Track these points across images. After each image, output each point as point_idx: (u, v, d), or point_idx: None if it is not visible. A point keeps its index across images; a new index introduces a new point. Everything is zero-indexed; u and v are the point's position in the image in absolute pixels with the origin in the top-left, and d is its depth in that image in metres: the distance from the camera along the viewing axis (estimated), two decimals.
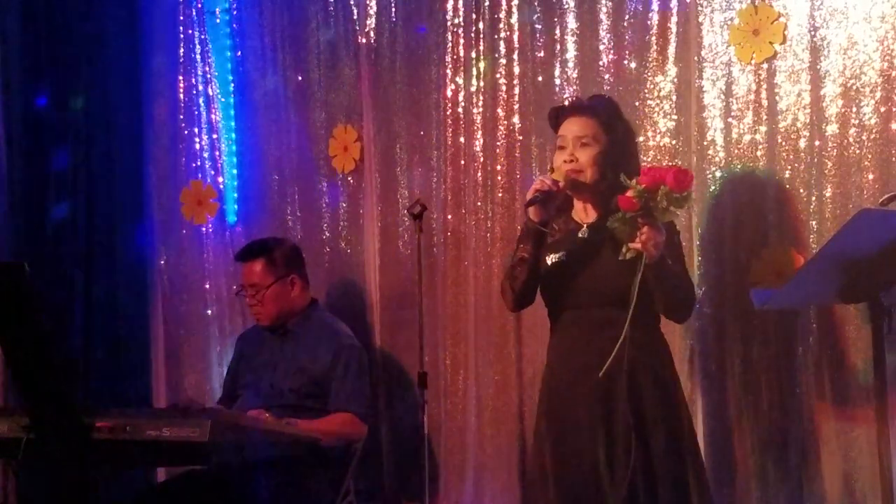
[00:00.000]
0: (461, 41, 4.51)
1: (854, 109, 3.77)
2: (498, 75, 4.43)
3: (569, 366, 3.37)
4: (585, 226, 3.39)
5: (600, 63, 4.22)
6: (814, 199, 3.84)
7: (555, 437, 3.35)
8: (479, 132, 4.46)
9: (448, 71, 4.54)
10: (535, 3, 4.35)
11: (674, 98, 4.10)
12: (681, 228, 4.02)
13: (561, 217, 3.45)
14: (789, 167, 3.89)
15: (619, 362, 3.16)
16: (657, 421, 3.27)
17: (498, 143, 4.42)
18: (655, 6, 4.11)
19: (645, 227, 3.07)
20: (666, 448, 3.27)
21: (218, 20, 5.14)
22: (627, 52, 4.17)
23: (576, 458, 3.29)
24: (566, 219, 3.45)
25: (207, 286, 5.13)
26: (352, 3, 4.78)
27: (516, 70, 4.39)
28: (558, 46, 4.30)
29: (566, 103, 3.55)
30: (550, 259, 3.36)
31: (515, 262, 3.39)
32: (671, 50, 4.10)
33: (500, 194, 4.41)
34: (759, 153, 3.94)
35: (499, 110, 4.41)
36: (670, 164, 4.09)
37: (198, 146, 5.17)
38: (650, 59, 4.13)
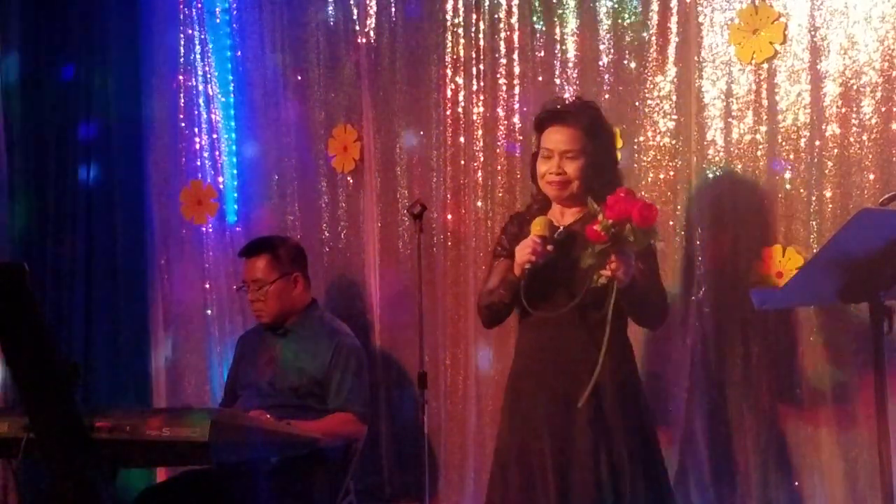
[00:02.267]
0: (461, 41, 4.51)
1: (854, 109, 3.78)
2: (498, 75, 4.43)
3: (535, 364, 3.43)
4: (562, 227, 3.41)
5: (600, 63, 4.22)
6: (814, 199, 3.84)
7: (518, 435, 3.40)
8: (479, 132, 4.46)
9: (448, 71, 4.54)
10: (536, 3, 4.35)
11: (674, 98, 4.10)
12: (681, 228, 4.03)
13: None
14: (789, 167, 3.89)
15: (581, 373, 3.24)
16: (619, 423, 3.32)
17: (498, 143, 4.43)
18: (655, 6, 4.11)
19: (613, 256, 3.14)
20: (629, 451, 3.31)
21: (218, 20, 5.14)
22: (627, 52, 4.17)
23: (538, 457, 3.33)
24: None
25: (207, 286, 5.13)
26: (352, 3, 4.78)
27: (516, 70, 4.39)
28: (558, 46, 4.30)
29: (551, 108, 3.55)
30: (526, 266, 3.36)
31: (498, 304, 3.42)
32: (671, 50, 4.10)
33: (500, 194, 4.41)
34: (759, 153, 3.94)
35: (499, 110, 4.41)
36: (671, 164, 4.10)
37: (198, 146, 5.17)
38: (650, 59, 4.13)
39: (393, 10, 4.68)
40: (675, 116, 4.10)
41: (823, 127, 3.82)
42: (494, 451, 3.54)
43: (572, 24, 4.28)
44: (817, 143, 3.83)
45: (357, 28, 4.76)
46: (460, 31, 4.51)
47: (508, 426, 3.46)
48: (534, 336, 3.45)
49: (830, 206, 3.81)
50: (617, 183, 3.43)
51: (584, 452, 3.28)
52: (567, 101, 3.67)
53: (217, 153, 5.14)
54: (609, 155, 3.51)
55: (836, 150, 3.80)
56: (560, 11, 4.30)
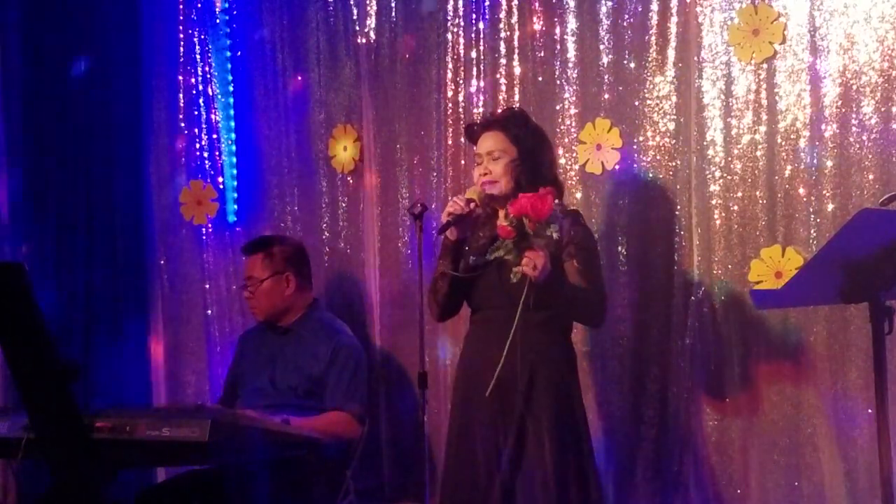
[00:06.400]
0: (461, 41, 4.51)
1: (854, 109, 3.77)
2: (498, 75, 4.43)
3: (476, 362, 3.56)
4: None
5: (600, 63, 4.22)
6: (814, 199, 3.84)
7: (458, 429, 3.57)
8: None
9: (448, 71, 4.54)
10: (536, 3, 4.35)
11: (674, 98, 4.10)
12: (680, 228, 4.03)
13: (486, 225, 3.61)
14: (789, 167, 3.89)
15: (509, 372, 3.36)
16: (549, 424, 3.41)
17: None
18: (655, 6, 4.11)
19: (525, 252, 3.27)
20: (558, 454, 3.40)
21: (218, 20, 5.14)
22: (627, 52, 4.17)
23: (471, 451, 3.49)
24: (491, 226, 3.60)
25: (207, 286, 5.13)
26: (352, 3, 4.78)
27: (516, 70, 4.40)
28: (558, 46, 4.30)
29: (481, 120, 3.79)
30: (471, 261, 3.54)
31: (437, 277, 3.62)
32: (671, 50, 4.10)
33: None
34: (758, 153, 3.94)
35: (499, 110, 4.41)
36: (671, 164, 4.10)
37: (198, 146, 5.17)
38: (650, 59, 4.13)
39: (393, 10, 4.68)
40: (674, 116, 4.10)
41: (823, 127, 3.82)
42: (447, 438, 3.68)
43: (572, 24, 4.28)
44: (817, 143, 3.83)
45: (357, 28, 4.76)
46: (460, 31, 4.52)
47: (453, 427, 3.63)
48: (478, 334, 3.61)
49: (830, 206, 3.81)
50: (546, 184, 3.54)
51: (508, 444, 3.42)
52: (498, 113, 3.87)
53: (217, 153, 5.14)
54: (537, 156, 3.61)
55: (835, 151, 3.80)
56: (560, 11, 4.29)
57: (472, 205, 3.48)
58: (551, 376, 3.47)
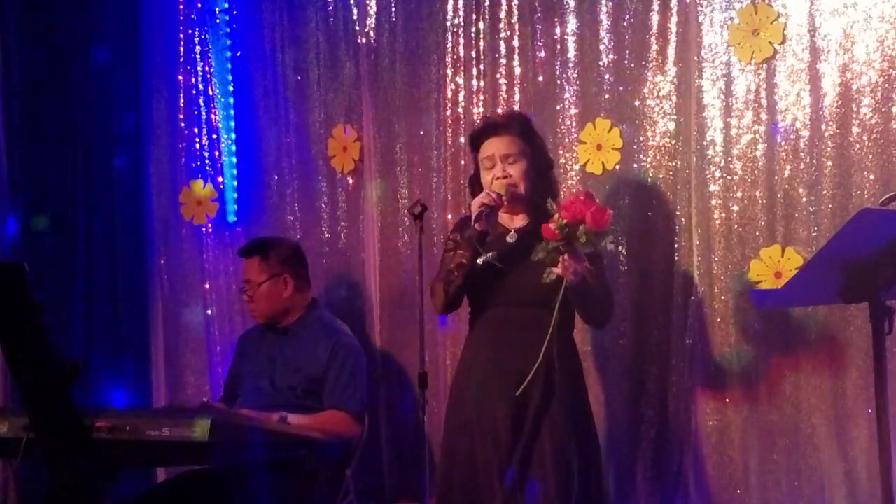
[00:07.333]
0: (461, 41, 4.51)
1: (854, 109, 3.77)
2: (498, 75, 4.43)
3: (483, 359, 3.55)
4: (513, 230, 3.56)
5: (600, 63, 4.22)
6: (814, 199, 3.84)
7: (462, 427, 3.53)
8: None
9: (448, 71, 4.54)
10: (536, 4, 4.35)
11: (674, 98, 4.10)
12: (681, 228, 4.04)
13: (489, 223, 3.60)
14: (789, 167, 3.89)
15: (535, 373, 3.35)
16: (565, 422, 3.42)
17: None
18: (655, 6, 4.11)
19: (565, 255, 3.26)
20: (573, 454, 3.40)
21: (218, 20, 5.14)
22: (627, 52, 4.17)
23: (477, 449, 3.46)
24: (494, 224, 3.60)
25: (207, 286, 5.13)
26: (352, 3, 4.78)
27: (516, 70, 4.40)
28: (558, 46, 4.30)
29: (482, 123, 3.78)
30: (480, 259, 3.50)
31: (453, 267, 3.57)
32: (671, 50, 4.10)
33: None
34: (758, 153, 3.94)
35: (499, 110, 4.41)
36: (671, 164, 4.10)
37: (198, 146, 5.17)
38: (650, 59, 4.13)
39: (393, 10, 4.68)
40: (674, 116, 4.10)
41: (823, 127, 3.82)
42: (441, 451, 3.65)
43: (572, 24, 4.28)
44: (817, 143, 3.83)
45: (357, 28, 4.76)
46: (460, 31, 4.52)
47: (455, 424, 3.59)
48: (484, 334, 3.58)
49: (830, 206, 3.81)
50: (555, 187, 3.66)
51: (522, 441, 3.40)
52: (496, 115, 3.89)
53: (217, 153, 5.15)
54: (546, 159, 3.68)
55: (835, 151, 3.80)
56: (560, 11, 4.30)
57: (504, 198, 3.51)
58: (568, 376, 3.48)
